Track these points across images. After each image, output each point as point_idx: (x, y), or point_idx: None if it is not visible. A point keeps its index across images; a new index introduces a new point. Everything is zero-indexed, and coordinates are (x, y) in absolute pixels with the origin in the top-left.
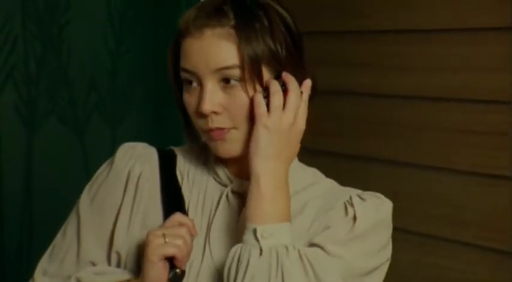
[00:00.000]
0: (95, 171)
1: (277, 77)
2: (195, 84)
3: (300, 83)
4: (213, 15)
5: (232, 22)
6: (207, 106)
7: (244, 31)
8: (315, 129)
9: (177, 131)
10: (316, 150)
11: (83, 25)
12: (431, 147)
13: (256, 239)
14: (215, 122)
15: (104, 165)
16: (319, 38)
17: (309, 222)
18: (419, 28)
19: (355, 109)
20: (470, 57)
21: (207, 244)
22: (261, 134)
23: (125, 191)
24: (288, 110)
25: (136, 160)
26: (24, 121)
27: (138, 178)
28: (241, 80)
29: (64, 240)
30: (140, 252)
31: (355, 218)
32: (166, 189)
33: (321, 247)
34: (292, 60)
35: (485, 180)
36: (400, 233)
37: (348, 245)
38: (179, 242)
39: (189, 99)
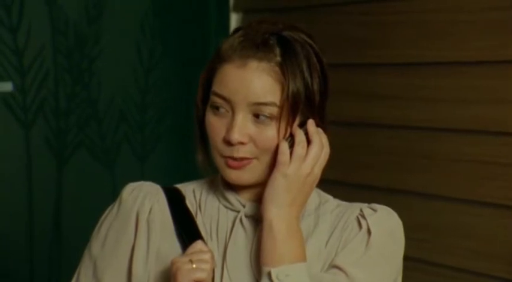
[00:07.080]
0: None
1: (304, 122)
2: (223, 109)
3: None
4: (260, 48)
5: (278, 58)
6: (236, 136)
7: (290, 71)
8: (345, 162)
9: None
10: (340, 181)
11: (112, 59)
12: (461, 179)
13: None
14: (240, 152)
15: (110, 208)
16: (349, 70)
17: (325, 239)
18: (449, 60)
19: (386, 142)
20: (499, 90)
21: (225, 272)
22: (279, 181)
23: (136, 227)
24: (308, 160)
25: (145, 197)
26: (55, 153)
27: (149, 212)
28: (276, 118)
29: None
30: None
31: (369, 232)
32: (179, 220)
33: (343, 270)
34: (320, 105)
35: None
36: (429, 265)
37: (367, 265)
38: (206, 266)
39: (215, 123)
